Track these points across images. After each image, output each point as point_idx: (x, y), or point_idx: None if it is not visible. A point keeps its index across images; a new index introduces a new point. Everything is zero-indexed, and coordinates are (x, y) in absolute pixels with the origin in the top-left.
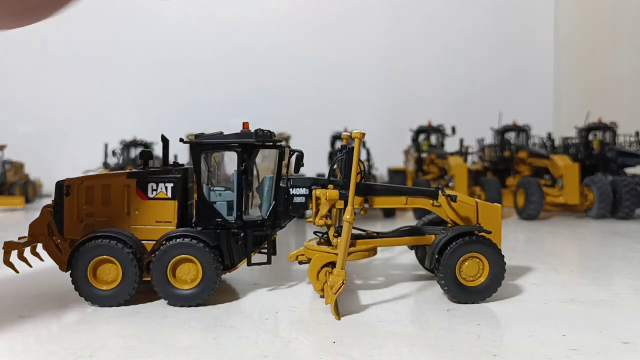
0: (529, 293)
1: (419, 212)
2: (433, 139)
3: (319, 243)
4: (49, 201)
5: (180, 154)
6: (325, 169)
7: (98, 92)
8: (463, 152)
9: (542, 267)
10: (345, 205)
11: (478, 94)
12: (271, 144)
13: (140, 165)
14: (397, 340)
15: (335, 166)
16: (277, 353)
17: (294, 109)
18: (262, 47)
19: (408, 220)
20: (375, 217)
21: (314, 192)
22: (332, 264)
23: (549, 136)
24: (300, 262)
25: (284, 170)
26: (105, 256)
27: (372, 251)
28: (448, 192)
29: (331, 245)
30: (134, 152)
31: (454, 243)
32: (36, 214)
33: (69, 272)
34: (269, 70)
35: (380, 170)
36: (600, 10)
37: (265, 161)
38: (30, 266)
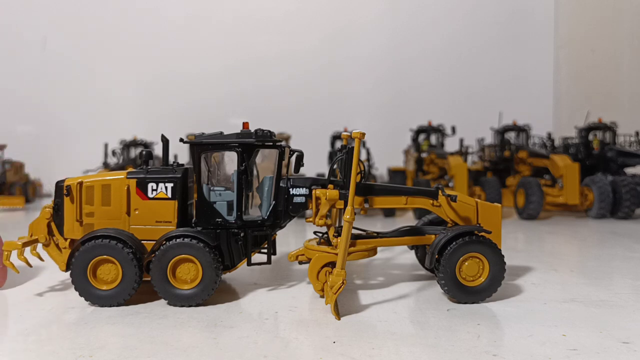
0: (529, 293)
1: (419, 212)
2: (433, 139)
3: (319, 243)
4: (49, 201)
5: (180, 154)
6: (325, 169)
7: (98, 92)
8: (463, 152)
9: (542, 267)
10: (345, 205)
11: (478, 94)
12: (271, 144)
13: (140, 165)
14: (397, 340)
15: (335, 166)
16: (277, 353)
17: (294, 109)
18: (262, 47)
19: (408, 220)
20: (375, 217)
21: (314, 192)
22: (332, 264)
23: (549, 136)
24: (300, 262)
25: (284, 170)
26: (105, 256)
27: (372, 251)
28: (448, 192)
29: (331, 245)
30: (134, 152)
31: (454, 243)
32: (36, 214)
33: (69, 272)
34: (269, 70)
35: (380, 170)
36: (600, 10)
37: (265, 161)
38: (30, 266)
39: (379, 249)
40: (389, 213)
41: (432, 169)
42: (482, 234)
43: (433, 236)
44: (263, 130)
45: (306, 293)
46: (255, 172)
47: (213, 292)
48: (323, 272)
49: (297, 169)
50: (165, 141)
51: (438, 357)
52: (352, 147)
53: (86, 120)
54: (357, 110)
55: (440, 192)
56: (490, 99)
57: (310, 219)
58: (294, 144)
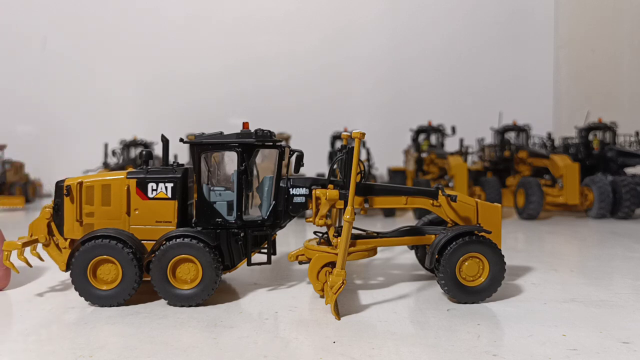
0: (529, 293)
1: (419, 212)
2: (433, 139)
3: (319, 243)
4: (49, 201)
5: (180, 154)
6: (325, 169)
7: (98, 92)
8: (463, 152)
9: (542, 267)
10: (345, 205)
11: (478, 94)
12: (271, 144)
13: (140, 165)
14: (397, 340)
15: (335, 166)
16: (277, 353)
17: (294, 109)
18: (262, 47)
19: (408, 220)
20: (375, 217)
21: (314, 192)
22: (332, 264)
23: (549, 136)
24: (300, 262)
25: (284, 170)
26: (105, 256)
27: (372, 251)
28: (448, 192)
29: (331, 245)
30: (134, 152)
31: (454, 243)
32: (36, 214)
33: (69, 272)
34: (269, 70)
35: (380, 170)
36: (600, 10)
37: (265, 161)
38: (30, 266)
39: (379, 249)
40: (389, 213)
41: (432, 169)
42: (482, 234)
43: (433, 236)
44: (263, 130)
45: (306, 293)
46: (255, 172)
47: (213, 292)
48: (323, 272)
49: (297, 169)
50: (165, 141)
51: (438, 357)
52: (352, 147)
53: (86, 120)
54: (357, 110)
55: (440, 192)
56: (490, 99)
57: (310, 219)
58: (294, 144)
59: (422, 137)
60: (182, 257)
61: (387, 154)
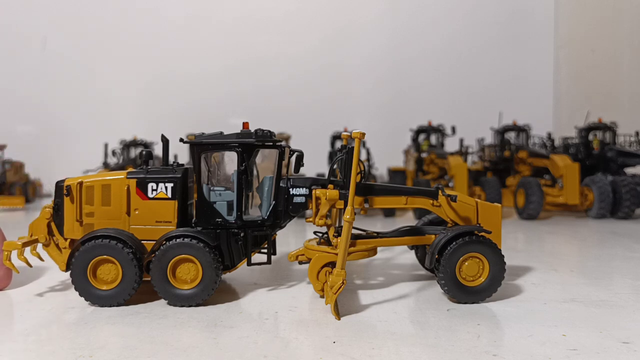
0: (529, 293)
1: (419, 212)
2: (433, 139)
3: (319, 243)
4: (49, 201)
5: (180, 154)
6: (325, 169)
7: (98, 92)
8: (463, 152)
9: (542, 267)
10: (345, 205)
11: (478, 94)
12: (271, 144)
13: (140, 165)
14: (397, 340)
15: (335, 166)
16: (277, 353)
17: (294, 109)
18: (262, 47)
19: (408, 220)
20: (375, 217)
21: (314, 192)
22: (332, 264)
23: (549, 136)
24: (300, 262)
25: (284, 170)
26: (105, 256)
27: (372, 251)
28: (448, 192)
29: (331, 245)
30: (134, 152)
31: (454, 243)
32: (36, 214)
33: (69, 272)
34: (269, 70)
35: (380, 170)
36: (600, 10)
37: (265, 161)
38: (30, 266)
39: (379, 249)
40: (389, 213)
41: (432, 169)
42: (482, 234)
43: (433, 236)
44: (263, 130)
45: (306, 293)
46: (255, 172)
47: (213, 292)
48: (323, 272)
49: (297, 169)
50: (165, 141)
51: (438, 357)
52: (352, 147)
53: (86, 120)
54: (357, 110)
55: (440, 192)
56: (490, 99)
57: (310, 219)
58: (294, 144)
59: (422, 137)
60: (182, 257)
61: (387, 154)
